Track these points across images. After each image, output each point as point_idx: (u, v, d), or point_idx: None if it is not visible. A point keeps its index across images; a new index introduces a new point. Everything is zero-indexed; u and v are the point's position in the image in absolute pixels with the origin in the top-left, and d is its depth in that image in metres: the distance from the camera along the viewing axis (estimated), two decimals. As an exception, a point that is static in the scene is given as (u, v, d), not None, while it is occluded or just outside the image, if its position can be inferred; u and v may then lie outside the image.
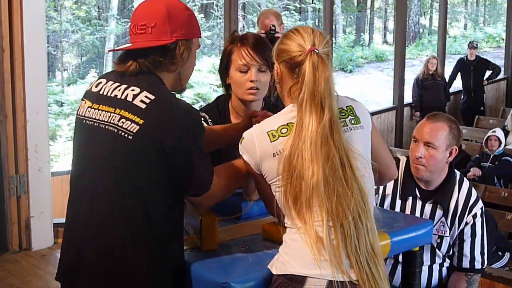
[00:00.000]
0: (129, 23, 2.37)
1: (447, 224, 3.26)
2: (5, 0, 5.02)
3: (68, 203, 2.37)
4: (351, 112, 2.31)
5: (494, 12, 33.86)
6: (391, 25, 29.15)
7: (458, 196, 3.27)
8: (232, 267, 2.32)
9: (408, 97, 11.32)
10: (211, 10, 22.84)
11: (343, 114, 2.28)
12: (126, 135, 2.16)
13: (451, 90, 11.96)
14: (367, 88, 18.68)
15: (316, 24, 25.98)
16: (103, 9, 21.68)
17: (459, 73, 12.05)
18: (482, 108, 11.97)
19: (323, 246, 2.10)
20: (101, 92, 2.31)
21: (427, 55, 14.82)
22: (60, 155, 13.49)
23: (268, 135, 2.23)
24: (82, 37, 20.27)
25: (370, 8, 31.07)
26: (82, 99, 2.39)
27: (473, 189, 3.34)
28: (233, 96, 3.10)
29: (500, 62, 13.72)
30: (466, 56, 12.17)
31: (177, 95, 2.35)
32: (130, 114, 2.18)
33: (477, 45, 12.61)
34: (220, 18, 21.22)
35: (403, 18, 11.38)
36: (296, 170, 2.12)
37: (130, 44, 2.32)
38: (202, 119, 2.95)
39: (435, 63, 11.20)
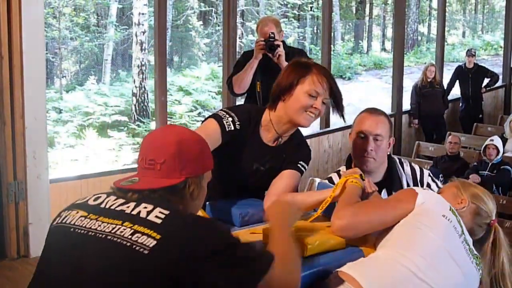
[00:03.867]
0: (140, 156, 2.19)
1: None
2: (4, 7, 5.03)
3: None
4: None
5: (492, 20, 33.93)
6: (389, 32, 29.20)
7: (406, 177, 3.35)
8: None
9: (406, 105, 11.33)
10: (210, 17, 22.88)
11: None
12: (141, 250, 1.92)
13: (450, 97, 11.97)
14: (366, 95, 18.71)
15: (315, 31, 26.03)
16: (102, 16, 21.72)
17: (457, 81, 12.07)
18: (480, 115, 11.99)
19: None
20: (102, 206, 2.10)
21: (425, 63, 14.85)
22: (58, 162, 13.49)
23: (451, 209, 2.50)
24: (80, 44, 20.31)
25: (369, 16, 31.13)
26: (69, 210, 2.15)
27: (413, 164, 3.45)
28: (278, 112, 3.07)
29: (498, 69, 13.73)
30: (465, 64, 12.18)
31: None
32: (145, 228, 1.96)
33: (475, 52, 12.63)
34: (218, 25, 21.27)
35: (401, 26, 11.40)
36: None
37: (137, 179, 2.13)
38: (231, 119, 2.99)
39: (433, 70, 11.21)
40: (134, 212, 2.02)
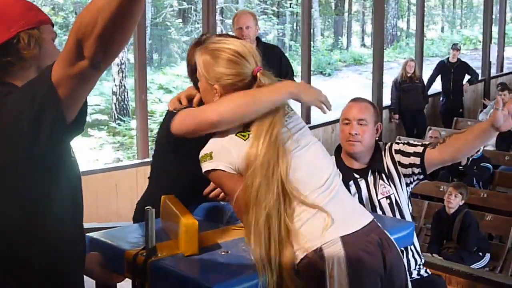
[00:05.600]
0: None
1: (386, 183, 3.38)
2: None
3: None
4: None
5: (470, 15, 34.14)
6: (369, 28, 29.29)
7: (385, 158, 3.43)
8: (215, 272, 2.32)
9: (387, 100, 11.36)
10: (189, 15, 22.85)
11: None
12: None
13: (430, 92, 12.01)
14: (346, 91, 18.73)
15: (294, 28, 26.06)
16: (80, 15, 21.62)
17: (439, 76, 12.11)
18: (461, 110, 12.05)
19: None
20: None
21: (405, 58, 14.92)
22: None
23: (239, 136, 2.36)
24: (60, 43, 20.18)
25: (348, 12, 31.20)
26: None
27: (387, 143, 3.50)
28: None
29: (477, 64, 13.83)
30: (447, 58, 12.24)
31: None
32: None
33: (460, 47, 12.71)
34: (198, 23, 21.22)
35: (380, 21, 11.43)
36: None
37: None
38: None
39: (413, 65, 11.25)
40: None
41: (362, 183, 3.39)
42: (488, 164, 8.27)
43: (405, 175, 3.38)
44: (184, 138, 2.58)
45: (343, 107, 3.50)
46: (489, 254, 6.56)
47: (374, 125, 3.42)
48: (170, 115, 2.84)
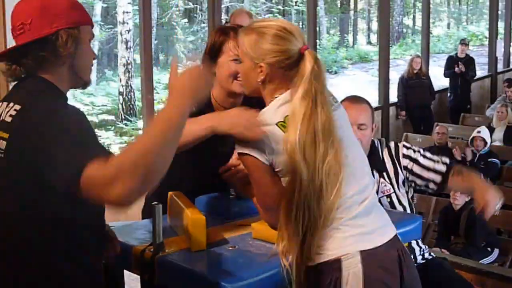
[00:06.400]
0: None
1: (387, 182, 3.35)
2: (-13, 7, 5.00)
3: None
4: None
5: (477, 11, 34.05)
6: (374, 26, 29.24)
7: (384, 156, 3.39)
8: (223, 267, 2.32)
9: (393, 97, 11.34)
10: (195, 15, 22.87)
11: None
12: (1, 155, 2.01)
13: (437, 88, 11.99)
14: (352, 89, 18.68)
15: (300, 26, 26.04)
16: (86, 16, 21.63)
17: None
18: (468, 106, 12.03)
19: None
20: None
21: (411, 55, 14.90)
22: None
23: (279, 126, 2.24)
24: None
25: (354, 9, 31.17)
26: None
27: (388, 143, 3.47)
28: (216, 90, 3.03)
29: (484, 60, 13.78)
30: (456, 54, 12.22)
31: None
32: (1, 132, 2.03)
33: (468, 42, 12.68)
34: (204, 23, 21.23)
35: (386, 19, 11.41)
36: None
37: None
38: None
39: (419, 62, 11.22)
40: (2, 116, 2.06)
41: None
42: (495, 159, 8.26)
43: (417, 184, 3.40)
44: None
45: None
46: (497, 250, 6.54)
47: (371, 126, 3.35)
48: None
